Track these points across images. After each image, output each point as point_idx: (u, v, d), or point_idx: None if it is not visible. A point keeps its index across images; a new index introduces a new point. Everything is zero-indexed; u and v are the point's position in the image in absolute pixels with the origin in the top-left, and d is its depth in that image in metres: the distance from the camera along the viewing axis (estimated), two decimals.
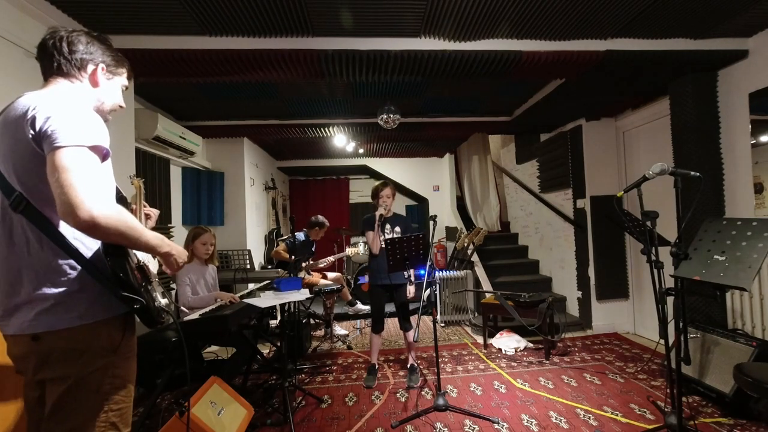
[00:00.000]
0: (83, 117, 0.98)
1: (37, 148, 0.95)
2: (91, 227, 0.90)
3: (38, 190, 0.98)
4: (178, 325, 1.27)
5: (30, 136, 0.95)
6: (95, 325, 1.03)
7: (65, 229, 1.01)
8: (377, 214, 2.95)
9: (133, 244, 1.04)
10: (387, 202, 2.98)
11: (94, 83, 1.15)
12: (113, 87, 1.21)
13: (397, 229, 3.03)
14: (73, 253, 1.01)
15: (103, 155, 1.02)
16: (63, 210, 0.89)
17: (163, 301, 1.22)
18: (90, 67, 1.13)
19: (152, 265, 1.29)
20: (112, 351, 1.06)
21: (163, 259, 1.16)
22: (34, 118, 0.94)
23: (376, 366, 3.07)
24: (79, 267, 1.02)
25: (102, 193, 0.94)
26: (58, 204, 0.90)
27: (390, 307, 3.09)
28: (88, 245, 1.04)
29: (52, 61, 1.08)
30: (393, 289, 2.99)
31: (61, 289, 1.00)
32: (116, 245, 1.02)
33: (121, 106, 1.25)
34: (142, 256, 1.24)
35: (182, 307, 2.63)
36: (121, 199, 1.21)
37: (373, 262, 3.05)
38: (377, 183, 3.07)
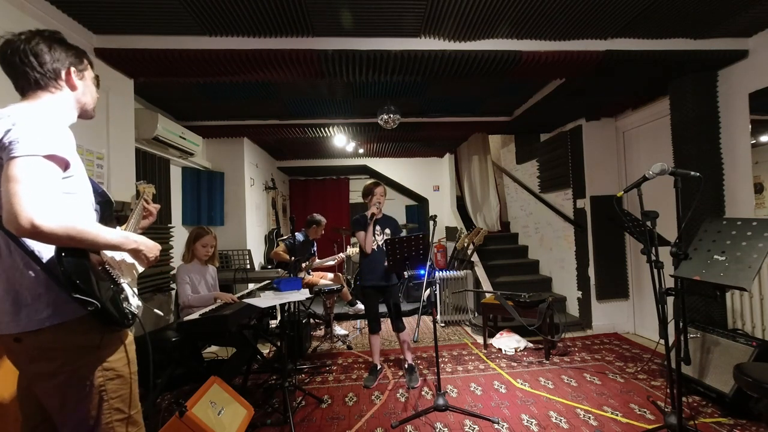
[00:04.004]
0: (43, 127, 1.00)
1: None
2: (33, 234, 0.92)
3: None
4: (144, 330, 1.25)
5: None
6: (66, 324, 1.05)
7: None
8: (369, 213, 2.93)
9: (91, 246, 1.06)
10: (381, 201, 2.96)
11: (72, 87, 1.17)
12: (88, 83, 1.22)
13: (387, 231, 3.01)
14: (32, 255, 1.03)
15: (64, 164, 1.03)
16: (6, 219, 0.92)
17: (135, 303, 1.21)
18: (62, 73, 1.14)
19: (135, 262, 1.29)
20: (94, 347, 1.09)
21: (132, 255, 1.19)
22: None
23: (378, 366, 3.06)
24: (40, 269, 1.04)
25: (49, 201, 0.95)
26: (3, 213, 0.93)
27: (383, 308, 3.07)
28: (45, 249, 1.05)
29: (28, 77, 1.09)
30: (384, 290, 2.98)
31: (29, 292, 1.03)
32: (66, 249, 1.03)
33: (97, 98, 1.27)
34: (122, 255, 1.23)
35: (182, 306, 2.63)
36: (105, 202, 1.23)
37: (364, 262, 3.03)
38: (369, 182, 3.05)
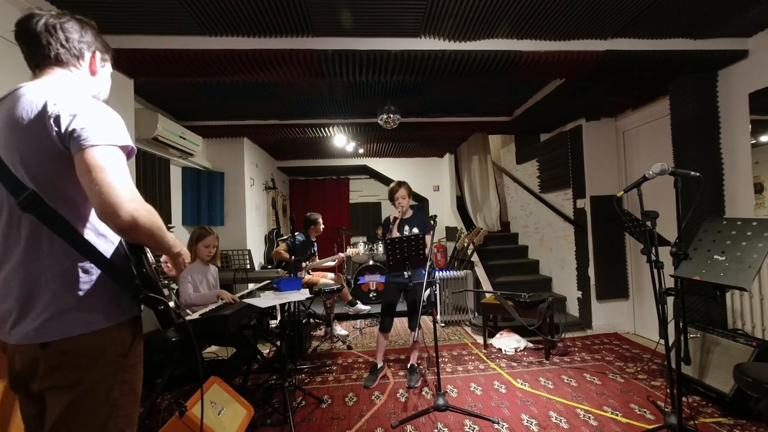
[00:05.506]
0: (109, 115, 0.97)
1: (61, 146, 0.92)
2: (131, 228, 0.89)
3: (57, 189, 0.94)
4: (189, 325, 1.23)
5: (54, 133, 0.91)
6: (108, 329, 0.99)
7: (83, 229, 0.98)
8: (392, 216, 2.99)
9: (158, 245, 1.03)
10: (403, 203, 2.98)
11: (93, 72, 1.12)
12: (106, 75, 1.18)
13: (415, 230, 3.00)
14: (90, 253, 0.97)
15: (128, 155, 1.00)
16: (103, 210, 0.87)
17: (171, 303, 1.20)
18: (87, 55, 1.09)
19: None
20: (123, 356, 1.03)
21: (172, 259, 1.14)
22: (58, 116, 0.91)
23: (379, 366, 3.05)
24: (94, 269, 0.98)
25: (138, 194, 0.92)
26: (96, 205, 0.88)
27: (401, 306, 3.10)
28: (105, 246, 1.00)
29: (47, 50, 1.02)
30: (406, 288, 2.98)
31: (73, 293, 0.95)
32: (134, 245, 1.00)
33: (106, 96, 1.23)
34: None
35: (183, 305, 2.63)
36: None
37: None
38: (393, 184, 3.06)
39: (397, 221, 2.96)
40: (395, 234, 2.95)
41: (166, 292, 1.18)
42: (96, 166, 0.88)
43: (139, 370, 1.09)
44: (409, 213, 3.07)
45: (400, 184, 3.02)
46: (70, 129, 0.90)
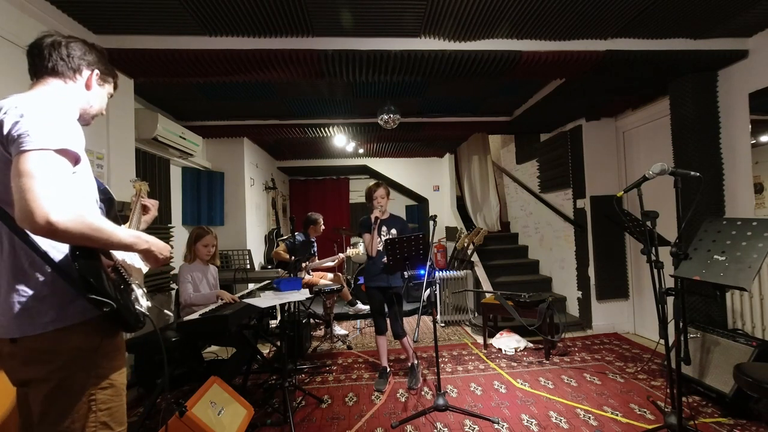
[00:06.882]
0: (53, 119, 0.96)
1: (4, 152, 0.94)
2: (48, 232, 0.89)
3: (7, 195, 0.95)
4: (158, 329, 1.23)
5: None
6: (69, 328, 1.01)
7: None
8: (373, 216, 2.92)
9: (105, 245, 1.03)
10: (382, 203, 2.94)
11: (88, 86, 1.16)
12: (102, 93, 1.22)
13: (393, 231, 2.99)
14: (44, 256, 0.99)
15: (75, 159, 1.00)
16: (20, 216, 0.88)
17: (145, 304, 1.20)
18: (86, 72, 1.15)
19: (140, 263, 1.27)
20: (92, 352, 1.05)
21: (143, 255, 1.16)
22: (1, 122, 0.93)
23: (388, 369, 3.03)
24: (50, 271, 1.01)
25: (63, 197, 0.91)
26: (15, 210, 0.89)
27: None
28: (58, 248, 1.02)
29: (46, 61, 1.07)
30: (385, 291, 2.94)
31: (32, 294, 0.99)
32: (86, 247, 1.00)
33: (102, 113, 1.26)
34: (127, 256, 1.22)
35: (183, 305, 2.64)
36: (109, 200, 1.21)
37: (368, 263, 3.03)
38: (370, 184, 3.04)
39: (378, 221, 2.92)
40: (375, 235, 2.91)
41: (139, 292, 1.20)
42: (21, 171, 0.89)
43: (115, 365, 1.11)
44: (387, 214, 3.01)
45: (378, 184, 2.99)
46: (10, 134, 0.92)
